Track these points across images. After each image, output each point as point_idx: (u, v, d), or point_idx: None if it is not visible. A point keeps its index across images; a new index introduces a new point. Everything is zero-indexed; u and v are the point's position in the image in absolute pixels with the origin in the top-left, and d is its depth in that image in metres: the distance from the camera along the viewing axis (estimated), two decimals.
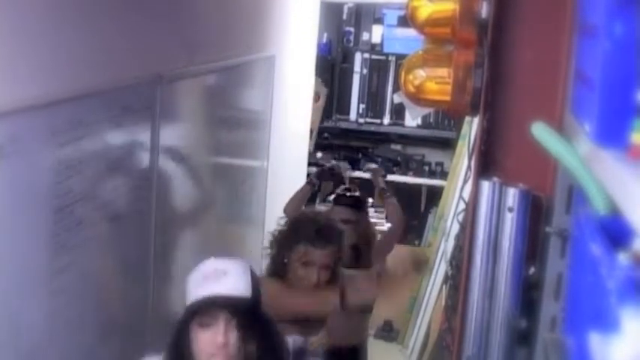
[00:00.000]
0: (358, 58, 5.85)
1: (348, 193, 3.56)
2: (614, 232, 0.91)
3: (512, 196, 1.77)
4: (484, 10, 1.93)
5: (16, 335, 1.94)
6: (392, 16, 5.70)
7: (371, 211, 4.14)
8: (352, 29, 5.89)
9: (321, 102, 5.73)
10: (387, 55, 5.80)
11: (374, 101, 5.88)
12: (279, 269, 2.74)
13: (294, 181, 4.39)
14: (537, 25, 1.85)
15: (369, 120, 5.86)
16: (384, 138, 6.07)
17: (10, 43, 1.81)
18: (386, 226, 4.37)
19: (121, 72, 2.36)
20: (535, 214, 1.77)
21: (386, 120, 5.91)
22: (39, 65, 1.94)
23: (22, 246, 1.93)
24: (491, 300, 1.80)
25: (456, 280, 2.42)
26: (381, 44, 5.82)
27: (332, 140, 5.99)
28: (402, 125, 5.92)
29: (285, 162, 4.58)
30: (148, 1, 2.58)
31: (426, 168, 5.95)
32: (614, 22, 0.99)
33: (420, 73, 2.18)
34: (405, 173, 5.91)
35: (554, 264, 1.65)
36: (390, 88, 5.85)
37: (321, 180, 3.92)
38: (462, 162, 4.75)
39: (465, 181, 2.18)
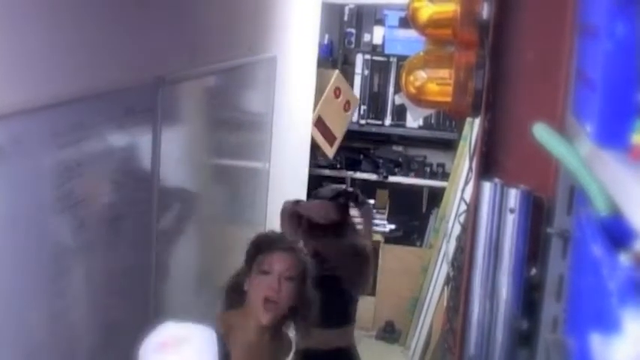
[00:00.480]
0: (359, 59, 5.85)
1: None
2: (615, 233, 0.91)
3: (513, 197, 1.77)
4: (485, 11, 1.93)
5: (17, 338, 1.94)
6: (393, 18, 5.70)
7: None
8: (353, 30, 5.89)
9: (351, 112, 5.69)
10: (388, 56, 5.80)
11: (375, 102, 5.89)
12: (234, 301, 2.53)
13: (295, 182, 4.39)
14: (538, 25, 1.85)
15: (370, 121, 5.86)
16: (386, 139, 6.07)
17: (11, 45, 1.81)
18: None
19: (122, 74, 2.36)
20: (536, 214, 1.77)
21: (387, 121, 5.91)
22: (40, 67, 1.94)
23: (23, 248, 1.93)
24: (492, 301, 1.80)
25: (458, 281, 2.42)
26: (383, 45, 5.82)
27: None
28: (404, 126, 5.92)
29: (287, 164, 4.58)
30: (149, 3, 2.58)
31: (428, 169, 5.96)
32: (614, 22, 0.99)
33: (421, 75, 2.18)
34: (406, 174, 5.91)
35: (555, 265, 1.65)
36: (391, 90, 5.85)
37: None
38: (464, 163, 4.75)
39: (467, 182, 2.18)
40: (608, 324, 0.82)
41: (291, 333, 2.63)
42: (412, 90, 2.21)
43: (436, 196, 5.73)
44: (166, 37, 2.72)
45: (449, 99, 2.08)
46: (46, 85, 1.95)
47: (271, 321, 2.40)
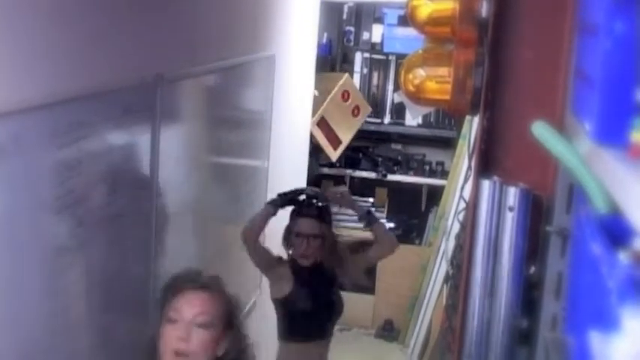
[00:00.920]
0: (358, 57, 5.86)
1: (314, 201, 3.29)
2: (615, 231, 0.91)
3: (512, 195, 1.77)
4: (484, 9, 1.93)
5: (17, 336, 1.94)
6: (392, 16, 5.70)
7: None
8: (352, 29, 5.90)
9: (361, 118, 5.66)
10: (387, 54, 5.80)
11: (374, 101, 5.89)
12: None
13: (294, 181, 4.39)
14: (537, 23, 1.85)
15: (369, 119, 5.86)
16: (385, 137, 6.08)
17: (10, 44, 1.81)
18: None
19: (121, 72, 2.36)
20: (535, 213, 1.77)
21: (386, 119, 5.92)
22: (40, 66, 1.94)
23: (22, 247, 1.93)
24: (491, 299, 1.80)
25: (457, 279, 2.42)
26: (381, 43, 5.82)
27: None
28: (403, 125, 5.93)
29: (286, 162, 4.58)
30: (148, 2, 2.58)
31: (427, 167, 5.96)
32: (614, 21, 0.99)
33: (420, 73, 2.18)
34: (405, 173, 5.92)
35: (554, 263, 1.65)
36: (390, 88, 5.86)
37: (285, 205, 3.33)
38: (463, 161, 4.75)
39: (466, 181, 2.18)
40: (608, 322, 0.82)
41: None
42: (411, 88, 2.21)
43: (435, 195, 5.73)
44: (165, 36, 2.72)
45: (448, 97, 2.09)
46: (44, 84, 1.95)
47: None
